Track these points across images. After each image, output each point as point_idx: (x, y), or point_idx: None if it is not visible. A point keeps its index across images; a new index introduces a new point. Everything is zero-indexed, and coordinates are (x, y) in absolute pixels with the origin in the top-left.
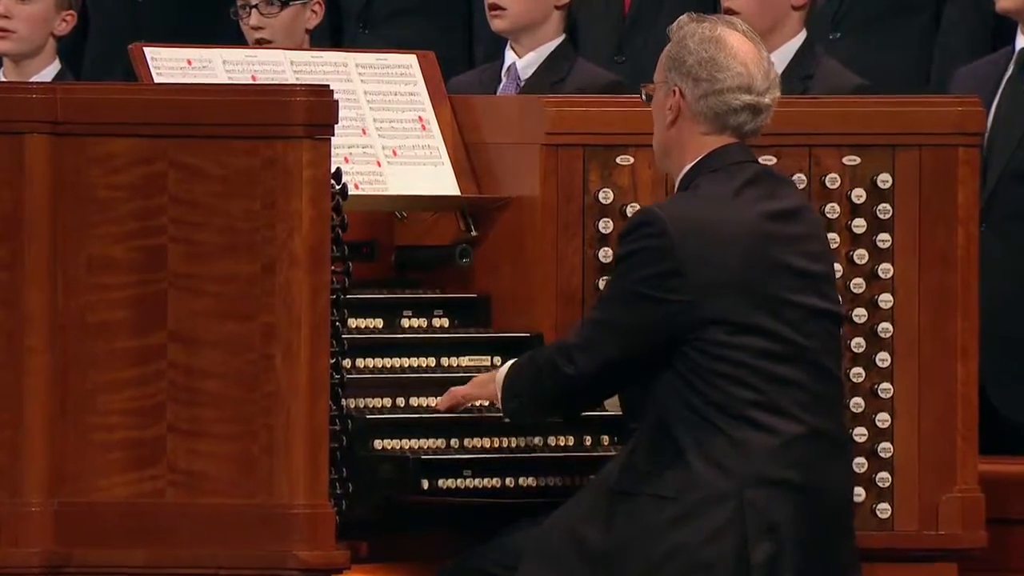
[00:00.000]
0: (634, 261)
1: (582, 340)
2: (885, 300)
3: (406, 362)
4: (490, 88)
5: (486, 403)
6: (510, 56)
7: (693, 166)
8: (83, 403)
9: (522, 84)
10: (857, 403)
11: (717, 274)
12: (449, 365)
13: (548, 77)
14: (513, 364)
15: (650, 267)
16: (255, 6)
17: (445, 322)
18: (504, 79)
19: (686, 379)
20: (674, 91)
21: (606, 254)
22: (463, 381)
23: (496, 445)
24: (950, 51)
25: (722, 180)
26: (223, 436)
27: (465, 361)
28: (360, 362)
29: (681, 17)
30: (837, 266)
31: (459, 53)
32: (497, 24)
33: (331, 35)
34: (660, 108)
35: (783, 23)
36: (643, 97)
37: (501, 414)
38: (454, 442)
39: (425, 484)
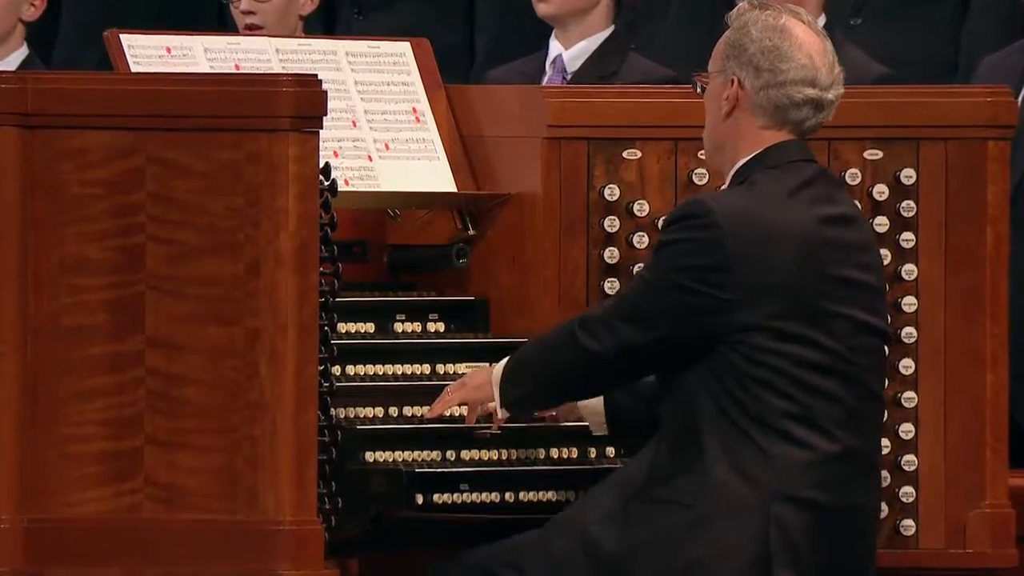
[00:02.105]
0: (676, 250)
1: (608, 317)
2: (909, 303)
3: (399, 369)
4: (534, 81)
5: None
6: (555, 47)
7: (748, 161)
8: (56, 412)
9: (569, 76)
10: None
11: (766, 276)
12: (445, 372)
13: (598, 70)
14: (511, 356)
15: (693, 259)
16: None
17: (440, 326)
18: (549, 71)
19: (721, 382)
20: (732, 80)
21: (612, 254)
22: None
23: (495, 458)
24: (979, 38)
25: (778, 178)
26: (204, 448)
27: (462, 368)
28: (350, 369)
29: (742, 3)
30: None
31: (459, 41)
32: (543, 9)
33: (323, 21)
34: (715, 98)
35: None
36: (697, 88)
37: (495, 427)
38: (450, 454)
39: (419, 499)
